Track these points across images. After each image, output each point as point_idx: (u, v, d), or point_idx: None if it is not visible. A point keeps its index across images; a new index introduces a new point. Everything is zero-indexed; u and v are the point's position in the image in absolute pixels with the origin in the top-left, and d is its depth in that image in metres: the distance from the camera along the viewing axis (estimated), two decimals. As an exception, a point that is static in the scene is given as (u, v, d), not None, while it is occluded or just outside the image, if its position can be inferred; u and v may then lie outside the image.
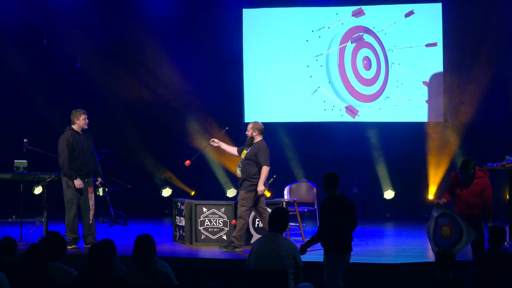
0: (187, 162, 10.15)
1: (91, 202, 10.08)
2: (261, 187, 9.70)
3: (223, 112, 13.59)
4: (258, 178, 9.70)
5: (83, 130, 10.25)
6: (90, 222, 10.07)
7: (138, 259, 6.46)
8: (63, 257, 6.66)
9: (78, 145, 10.08)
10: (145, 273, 6.42)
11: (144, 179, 13.57)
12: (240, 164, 9.92)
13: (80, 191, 9.92)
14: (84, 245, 10.01)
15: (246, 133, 9.96)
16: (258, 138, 9.87)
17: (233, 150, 10.18)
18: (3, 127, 13.75)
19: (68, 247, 9.76)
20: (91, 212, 10.07)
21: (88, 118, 13.57)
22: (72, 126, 10.19)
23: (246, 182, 9.80)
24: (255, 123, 10.01)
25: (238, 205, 9.82)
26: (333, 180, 7.96)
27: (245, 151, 9.92)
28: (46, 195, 10.57)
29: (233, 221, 9.90)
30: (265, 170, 9.73)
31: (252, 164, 9.77)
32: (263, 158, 9.74)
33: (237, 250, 9.68)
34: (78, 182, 9.90)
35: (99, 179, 10.40)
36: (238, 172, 9.94)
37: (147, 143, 13.74)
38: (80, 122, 10.19)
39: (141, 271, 6.45)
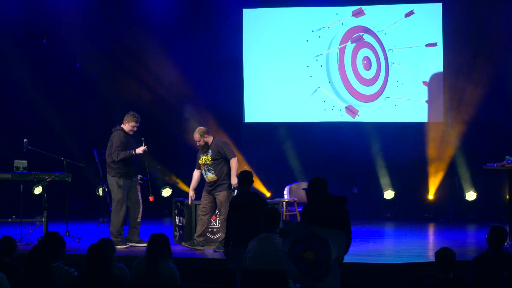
0: (151, 198, 10.30)
1: (140, 200, 10.15)
2: (234, 180, 9.68)
3: (223, 112, 13.60)
4: None
5: (131, 134, 10.26)
6: (138, 220, 10.13)
7: (149, 258, 6.45)
8: (63, 257, 6.67)
9: (129, 145, 10.12)
10: (153, 272, 6.41)
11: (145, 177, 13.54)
12: (207, 168, 9.80)
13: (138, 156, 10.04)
14: (129, 244, 10.07)
15: (199, 144, 9.86)
16: (210, 139, 9.88)
17: (197, 175, 10.07)
18: (3, 127, 13.75)
19: (119, 247, 9.83)
20: (140, 210, 10.15)
21: (87, 119, 13.61)
22: (122, 125, 10.16)
23: (223, 182, 9.79)
24: (199, 129, 9.94)
25: (224, 207, 9.67)
26: (246, 177, 8.06)
27: (205, 157, 9.85)
28: (46, 195, 10.55)
29: (213, 217, 9.92)
30: (234, 161, 9.78)
31: (221, 162, 9.80)
32: (228, 151, 9.82)
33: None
34: (140, 149, 10.04)
35: (139, 176, 10.31)
36: (211, 176, 9.77)
37: (146, 143, 13.72)
38: (128, 126, 10.17)
39: (149, 270, 6.44)
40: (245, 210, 8.02)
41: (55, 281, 6.41)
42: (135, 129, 10.21)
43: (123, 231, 10.16)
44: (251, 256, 7.18)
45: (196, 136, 9.86)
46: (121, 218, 10.11)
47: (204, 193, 9.92)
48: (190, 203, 10.13)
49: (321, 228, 5.98)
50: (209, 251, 9.74)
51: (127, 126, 10.17)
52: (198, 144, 9.89)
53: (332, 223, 7.70)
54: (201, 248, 9.76)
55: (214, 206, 9.88)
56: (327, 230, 5.77)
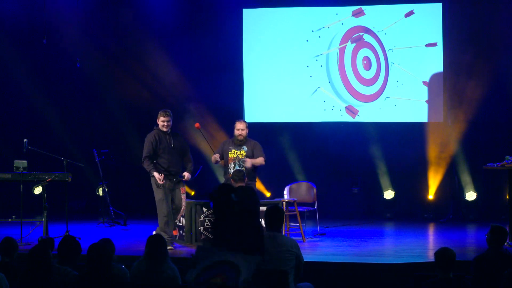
0: (197, 125, 10.32)
1: (184, 203, 9.91)
2: (249, 164, 10.03)
3: (223, 112, 13.61)
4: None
5: (173, 131, 10.09)
6: (177, 221, 10.02)
7: (150, 259, 6.45)
8: (75, 263, 6.61)
9: (162, 144, 9.92)
10: (155, 273, 6.42)
11: (143, 179, 13.52)
12: (237, 163, 9.92)
13: (159, 184, 9.79)
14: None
15: (240, 134, 10.07)
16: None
17: (215, 157, 10.24)
18: (3, 127, 13.77)
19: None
20: (180, 213, 9.97)
21: (87, 119, 13.60)
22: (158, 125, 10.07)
23: (249, 182, 9.87)
24: (244, 121, 10.25)
25: None
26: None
27: (238, 151, 9.95)
28: (46, 195, 10.56)
29: None
30: (263, 160, 10.06)
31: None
32: (261, 152, 10.10)
33: None
34: (157, 175, 9.75)
35: (185, 174, 9.98)
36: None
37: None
38: (159, 122, 10.00)
39: (150, 271, 6.45)
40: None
41: (55, 281, 6.41)
42: (165, 123, 9.93)
43: (170, 231, 9.94)
44: None
45: (243, 125, 10.14)
46: (163, 218, 9.93)
47: None
48: (214, 161, 10.28)
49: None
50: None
51: (159, 122, 10.02)
52: (239, 135, 10.06)
53: None
54: None
55: None
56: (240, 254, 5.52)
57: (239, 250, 5.17)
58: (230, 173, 9.99)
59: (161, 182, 9.70)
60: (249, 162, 10.01)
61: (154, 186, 9.86)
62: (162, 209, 9.85)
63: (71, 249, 6.65)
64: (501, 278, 6.45)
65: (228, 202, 5.86)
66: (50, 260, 6.34)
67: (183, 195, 9.90)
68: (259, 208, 7.73)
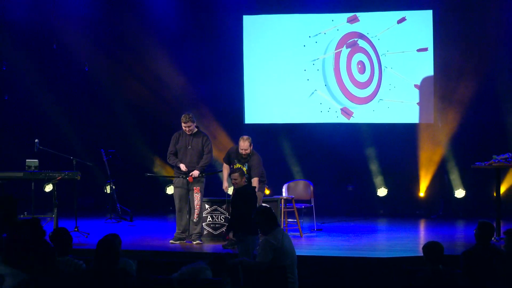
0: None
1: (196, 202, 9.85)
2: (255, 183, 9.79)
3: (224, 113, 13.62)
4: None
5: (196, 133, 10.10)
6: (195, 220, 9.89)
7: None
8: (70, 251, 6.67)
9: (181, 144, 10.03)
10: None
11: (149, 177, 13.54)
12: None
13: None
14: (191, 242, 9.94)
15: (245, 153, 9.79)
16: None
17: (228, 168, 10.04)
18: (16, 128, 13.77)
19: (171, 241, 9.93)
20: (195, 211, 9.86)
21: (95, 120, 13.59)
22: None
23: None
24: (248, 139, 9.87)
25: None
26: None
27: (242, 167, 9.79)
28: (56, 192, 10.58)
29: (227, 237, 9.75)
30: (255, 181, 9.71)
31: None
32: (260, 171, 9.87)
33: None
34: (183, 166, 9.89)
35: (192, 173, 9.92)
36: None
37: (152, 143, 13.77)
38: (182, 124, 10.06)
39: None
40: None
41: (64, 274, 6.42)
42: (185, 126, 9.99)
43: (181, 226, 9.94)
44: (288, 251, 7.23)
45: (246, 145, 9.78)
46: (176, 214, 9.98)
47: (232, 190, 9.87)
48: (225, 188, 9.99)
49: None
50: (211, 246, 9.72)
51: (182, 125, 10.07)
52: (244, 153, 9.79)
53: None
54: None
55: None
56: None
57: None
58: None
59: (185, 169, 9.85)
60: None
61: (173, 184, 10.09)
62: (175, 205, 10.02)
63: (64, 238, 6.68)
64: (490, 270, 6.46)
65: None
66: (54, 253, 6.34)
67: (196, 195, 9.86)
68: (256, 203, 7.84)
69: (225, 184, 10.01)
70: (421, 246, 9.77)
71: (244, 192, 8.59)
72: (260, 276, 7.11)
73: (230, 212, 8.73)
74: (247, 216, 8.13)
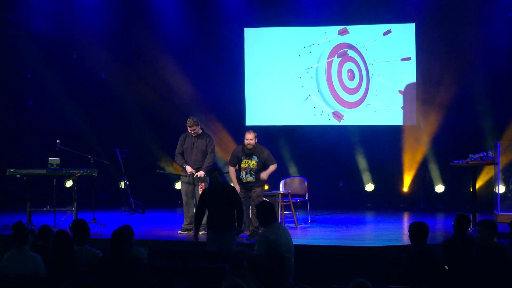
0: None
1: (195, 197, 9.80)
2: (265, 175, 9.75)
3: (227, 116, 13.63)
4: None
5: (201, 134, 10.05)
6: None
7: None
8: (88, 240, 6.68)
9: (187, 145, 10.02)
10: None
11: (159, 174, 13.56)
12: (249, 172, 9.67)
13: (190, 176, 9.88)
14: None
15: (250, 144, 9.63)
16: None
17: (233, 170, 9.84)
18: (39, 129, 13.78)
19: (179, 231, 9.95)
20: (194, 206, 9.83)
21: (111, 122, 13.60)
22: None
23: (258, 181, 9.74)
24: (254, 132, 9.76)
25: (260, 199, 9.61)
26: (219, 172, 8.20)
27: (249, 161, 9.66)
28: (75, 188, 10.60)
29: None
30: (274, 167, 9.77)
31: (262, 168, 9.74)
32: (271, 161, 9.77)
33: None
34: (189, 169, 9.89)
35: (199, 172, 9.87)
36: (251, 179, 9.66)
37: (162, 143, 13.76)
38: (188, 127, 10.04)
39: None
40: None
41: (83, 260, 6.42)
42: (190, 130, 10.00)
43: (188, 218, 9.92)
44: (285, 243, 7.20)
45: (251, 136, 9.66)
46: (185, 209, 9.96)
47: (239, 189, 9.68)
48: (239, 190, 9.51)
49: None
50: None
51: (188, 127, 10.06)
52: (248, 144, 9.62)
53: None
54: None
55: (248, 196, 9.80)
56: None
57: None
58: (242, 178, 9.77)
59: (191, 171, 9.83)
60: (265, 175, 9.72)
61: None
62: (183, 199, 10.04)
63: (82, 229, 6.68)
64: (466, 259, 6.45)
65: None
66: (71, 243, 6.34)
67: (201, 190, 9.72)
68: (239, 198, 7.64)
69: (237, 187, 9.65)
70: (405, 236, 9.83)
71: (228, 191, 8.43)
72: (259, 264, 7.09)
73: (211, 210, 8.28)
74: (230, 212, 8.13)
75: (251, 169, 9.68)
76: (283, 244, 7.19)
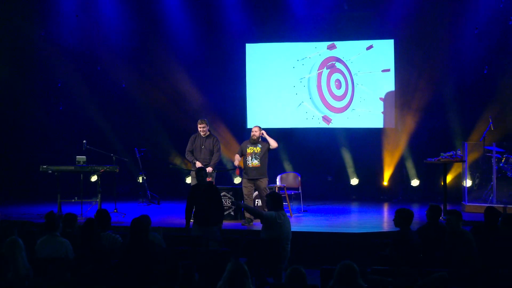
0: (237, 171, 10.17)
1: None
2: (272, 141, 10.00)
3: (230, 119, 13.65)
4: None
5: (208, 135, 10.01)
6: None
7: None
8: (109, 227, 6.69)
9: (196, 144, 9.99)
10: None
11: (172, 170, 13.57)
12: (254, 156, 9.84)
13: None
14: None
15: (255, 136, 9.91)
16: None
17: (238, 157, 9.98)
18: (68, 131, 13.78)
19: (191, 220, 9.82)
20: None
21: (130, 125, 13.56)
22: None
23: (264, 170, 9.82)
24: (259, 127, 10.09)
25: (264, 190, 9.69)
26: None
27: (254, 148, 9.86)
28: (100, 182, 10.60)
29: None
30: (276, 144, 10.01)
31: (265, 154, 9.87)
32: (272, 145, 9.98)
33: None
34: (198, 163, 9.84)
35: (208, 168, 9.79)
36: (256, 163, 9.82)
37: (174, 143, 13.77)
38: (198, 126, 10.00)
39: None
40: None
41: (106, 245, 6.43)
42: (200, 129, 9.99)
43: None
44: (285, 226, 7.24)
45: (256, 128, 9.98)
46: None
47: (245, 182, 9.78)
48: (236, 164, 9.90)
49: None
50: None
51: (198, 128, 10.02)
52: (253, 135, 9.90)
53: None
54: (251, 223, 9.56)
55: (254, 189, 9.84)
56: None
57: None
58: (248, 164, 9.87)
59: (200, 165, 9.76)
60: (269, 139, 10.01)
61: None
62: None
63: (105, 217, 6.69)
64: (438, 243, 6.46)
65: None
66: (97, 230, 6.34)
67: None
68: (219, 196, 7.49)
69: (236, 162, 9.93)
70: (384, 224, 9.83)
71: (209, 188, 8.35)
72: (258, 246, 7.11)
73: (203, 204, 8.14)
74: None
75: (256, 154, 9.86)
76: (285, 228, 7.23)
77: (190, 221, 8.29)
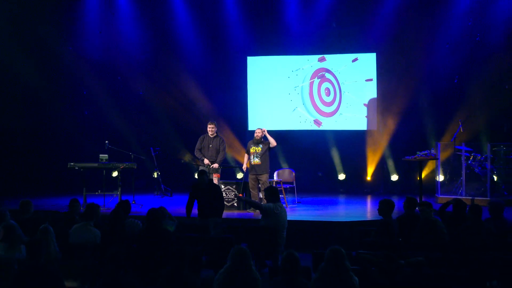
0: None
1: (216, 183, 9.57)
2: (271, 140, 10.03)
3: (233, 122, 13.66)
4: None
5: (215, 136, 9.96)
6: None
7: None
8: (128, 215, 6.72)
9: (204, 144, 9.96)
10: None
11: (184, 166, 13.60)
12: (255, 155, 9.89)
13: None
14: None
15: (258, 137, 9.96)
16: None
17: (247, 156, 10.06)
18: (93, 133, 13.80)
19: None
20: None
21: (146, 127, 13.52)
22: None
23: (265, 167, 9.83)
24: (262, 129, 10.10)
25: (265, 184, 9.71)
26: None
27: (256, 148, 9.92)
28: (120, 177, 10.62)
29: (240, 195, 9.84)
30: (275, 143, 10.00)
31: (265, 153, 9.92)
32: (272, 145, 10.02)
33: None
34: (206, 161, 9.80)
35: (214, 165, 9.78)
36: (257, 161, 9.88)
37: (185, 143, 13.79)
38: (208, 127, 9.97)
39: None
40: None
41: (128, 231, 6.47)
42: (210, 129, 9.96)
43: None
44: (281, 215, 7.26)
45: (259, 130, 10.03)
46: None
47: (250, 176, 9.87)
48: (244, 168, 9.94)
49: None
50: (226, 213, 9.62)
51: (208, 129, 9.99)
52: (256, 136, 9.93)
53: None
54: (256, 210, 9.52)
55: (258, 183, 9.89)
56: None
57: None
58: (251, 161, 9.93)
59: (207, 163, 9.75)
60: (269, 138, 10.00)
61: None
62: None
63: (125, 208, 6.73)
64: (413, 230, 6.49)
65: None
66: (123, 218, 6.38)
67: (215, 178, 9.84)
68: (221, 194, 7.45)
69: (245, 160, 9.97)
70: (368, 213, 9.86)
71: (211, 187, 8.26)
72: (258, 233, 7.13)
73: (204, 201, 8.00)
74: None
75: (257, 153, 9.93)
76: (282, 218, 7.25)
77: (190, 215, 8.23)
